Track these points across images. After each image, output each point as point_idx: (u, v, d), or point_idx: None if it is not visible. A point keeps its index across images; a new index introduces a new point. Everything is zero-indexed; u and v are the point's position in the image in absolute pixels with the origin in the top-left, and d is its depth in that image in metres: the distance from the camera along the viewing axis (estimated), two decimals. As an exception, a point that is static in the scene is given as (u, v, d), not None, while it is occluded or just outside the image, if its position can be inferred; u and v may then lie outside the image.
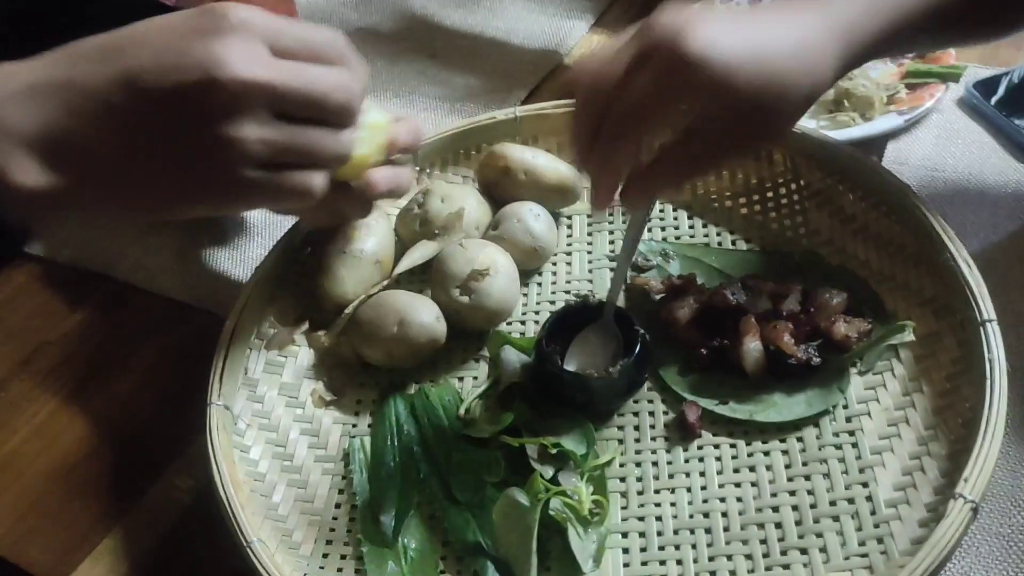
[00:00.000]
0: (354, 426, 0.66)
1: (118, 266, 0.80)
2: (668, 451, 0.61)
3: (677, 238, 0.73)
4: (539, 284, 0.73)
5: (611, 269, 0.72)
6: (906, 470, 0.57)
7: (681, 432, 0.62)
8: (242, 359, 0.66)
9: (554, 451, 0.59)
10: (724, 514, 0.58)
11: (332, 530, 0.60)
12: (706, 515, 0.58)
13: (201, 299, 0.77)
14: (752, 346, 0.61)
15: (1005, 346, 0.57)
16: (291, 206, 0.62)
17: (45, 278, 0.81)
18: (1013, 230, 0.71)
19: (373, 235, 0.70)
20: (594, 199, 0.56)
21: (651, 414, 0.63)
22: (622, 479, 0.60)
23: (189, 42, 0.48)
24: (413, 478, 0.61)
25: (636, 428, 0.62)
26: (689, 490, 0.59)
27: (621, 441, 0.62)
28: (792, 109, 0.53)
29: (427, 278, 0.70)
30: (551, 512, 0.56)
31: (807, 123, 0.75)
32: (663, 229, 0.74)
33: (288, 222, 0.73)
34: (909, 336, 0.61)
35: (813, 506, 0.57)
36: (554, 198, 0.74)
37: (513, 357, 0.65)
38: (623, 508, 0.59)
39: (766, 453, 0.60)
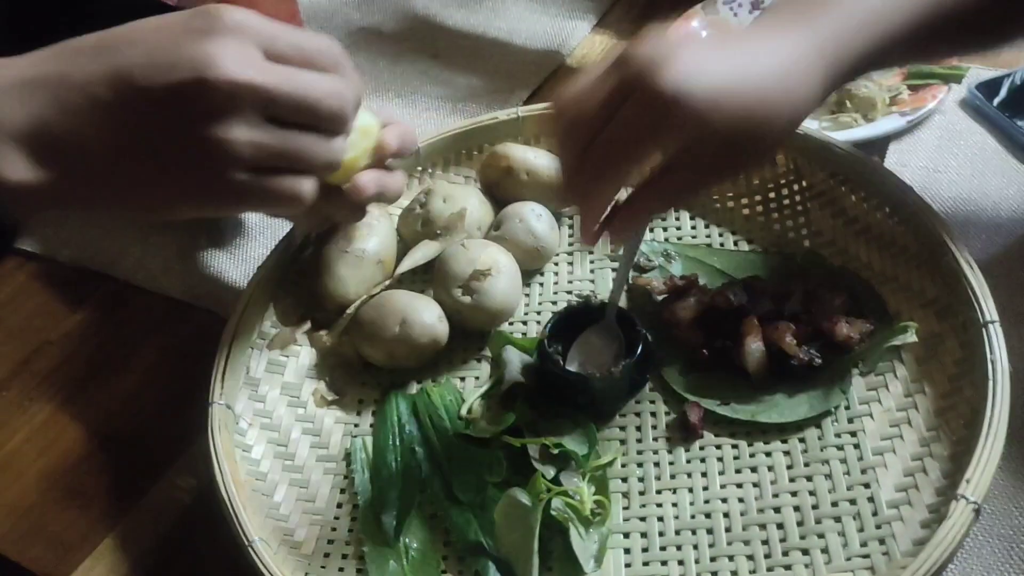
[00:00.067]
0: (356, 426, 0.66)
1: (119, 266, 0.80)
2: (670, 451, 0.61)
3: (679, 239, 0.73)
4: (541, 284, 0.73)
5: (613, 269, 0.72)
6: (908, 471, 0.57)
7: (683, 432, 0.62)
8: (244, 358, 0.66)
9: (556, 451, 0.59)
10: (726, 514, 0.57)
11: (334, 530, 0.60)
12: (708, 515, 0.58)
13: (202, 299, 0.77)
14: (754, 347, 0.61)
15: (1007, 347, 0.57)
16: (279, 211, 0.61)
17: (46, 277, 0.81)
18: (1015, 231, 0.71)
19: (375, 235, 0.70)
20: (582, 233, 0.55)
21: (653, 414, 0.63)
22: (624, 479, 0.60)
23: (182, 41, 0.48)
24: (415, 478, 0.61)
25: (638, 428, 0.62)
26: (691, 490, 0.59)
27: (623, 441, 0.62)
28: (774, 137, 0.53)
29: (429, 278, 0.70)
30: (553, 512, 0.56)
31: (810, 124, 0.75)
32: (665, 230, 0.74)
33: (289, 223, 0.73)
34: (911, 337, 0.61)
35: (815, 507, 0.57)
36: (556, 198, 0.74)
37: (515, 357, 0.65)
38: (625, 508, 0.59)
39: (768, 454, 0.60)
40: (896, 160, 0.78)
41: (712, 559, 0.56)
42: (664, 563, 0.56)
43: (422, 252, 0.71)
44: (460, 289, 0.66)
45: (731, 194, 0.75)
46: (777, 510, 0.57)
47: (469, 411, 0.64)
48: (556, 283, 0.72)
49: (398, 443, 0.63)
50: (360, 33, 0.99)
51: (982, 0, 0.57)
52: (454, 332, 0.66)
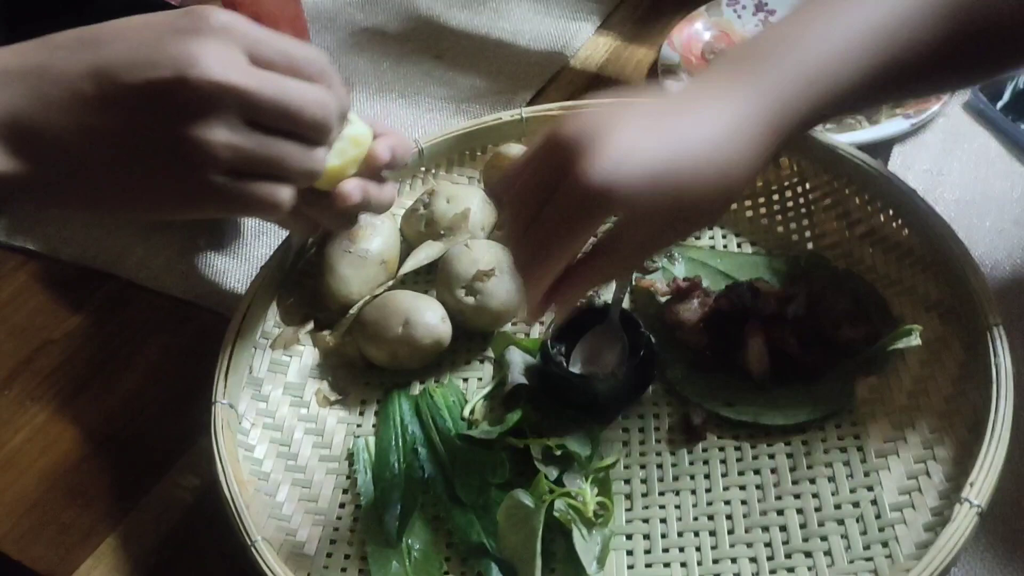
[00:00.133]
0: (358, 426, 0.66)
1: (122, 265, 0.80)
2: (673, 453, 0.61)
3: (683, 241, 0.73)
4: (544, 285, 0.72)
5: (616, 271, 0.72)
6: (911, 474, 0.57)
7: (686, 434, 0.62)
8: (247, 358, 0.66)
9: (559, 452, 0.59)
10: (729, 516, 0.57)
11: (336, 530, 0.60)
12: (710, 517, 0.58)
13: (205, 298, 0.77)
14: (757, 349, 0.61)
15: (1011, 350, 0.57)
16: (256, 216, 0.61)
17: (48, 276, 0.81)
18: (1019, 235, 0.71)
19: (378, 235, 0.70)
20: (527, 310, 0.53)
21: (656, 416, 0.63)
22: (627, 481, 0.60)
23: (167, 40, 0.48)
24: (417, 479, 0.61)
25: (641, 430, 0.62)
26: (694, 492, 0.59)
27: (626, 443, 0.62)
28: (717, 207, 0.51)
29: (432, 279, 0.70)
30: (555, 514, 0.56)
31: (813, 126, 0.75)
32: (668, 231, 0.74)
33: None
34: (915, 341, 0.60)
35: (818, 509, 0.57)
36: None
37: (518, 358, 0.65)
38: (627, 510, 0.59)
39: (771, 456, 0.60)
40: (900, 163, 0.78)
41: (715, 561, 0.56)
42: (667, 565, 0.56)
43: (425, 253, 0.71)
44: (463, 290, 0.66)
45: (735, 196, 0.75)
46: (780, 512, 0.57)
47: (472, 412, 0.64)
48: (559, 284, 0.72)
49: (401, 444, 0.63)
50: (364, 34, 0.99)
51: (940, 44, 0.53)
52: (457, 333, 0.66)
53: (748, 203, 0.74)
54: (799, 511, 0.57)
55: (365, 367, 0.68)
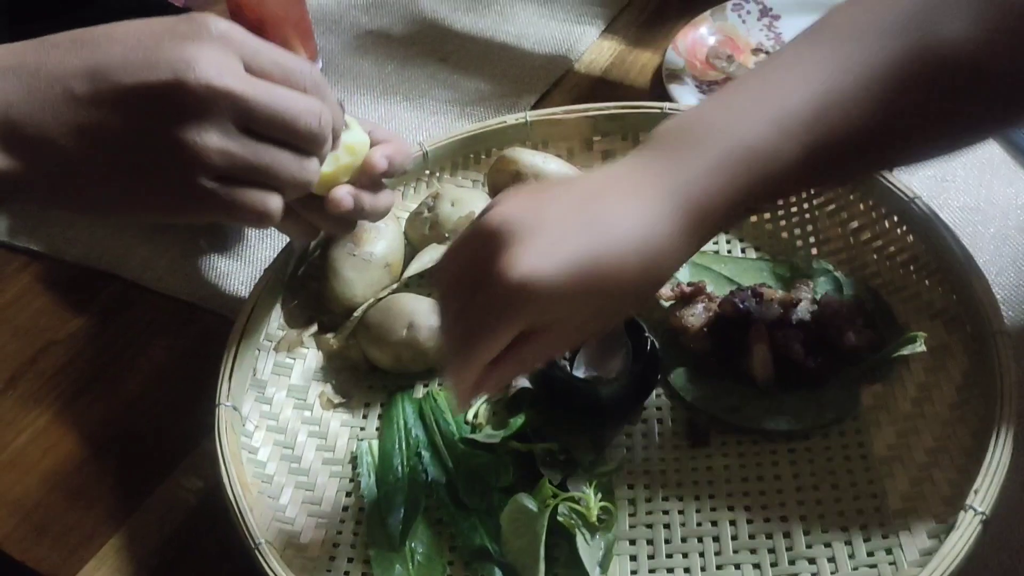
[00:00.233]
0: (362, 429, 0.66)
1: (126, 266, 0.80)
2: (676, 458, 0.61)
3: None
4: (548, 289, 0.72)
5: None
6: (915, 481, 0.57)
7: (689, 439, 0.62)
8: (251, 360, 0.66)
9: (562, 457, 0.59)
10: (732, 523, 0.57)
11: (339, 533, 0.60)
12: (714, 523, 0.58)
13: (209, 300, 0.77)
14: (762, 355, 0.61)
15: (1016, 358, 0.56)
16: (245, 224, 0.61)
17: (52, 277, 0.81)
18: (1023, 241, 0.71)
19: (383, 238, 0.70)
20: (456, 399, 0.51)
21: (659, 421, 0.63)
22: (630, 486, 0.60)
23: (163, 43, 0.48)
24: (421, 482, 0.61)
25: (644, 435, 0.62)
26: (697, 498, 0.59)
27: (629, 448, 0.62)
28: (640, 298, 0.51)
29: (436, 282, 0.70)
30: (559, 518, 0.56)
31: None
32: (672, 236, 0.74)
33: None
34: (919, 347, 0.60)
35: (821, 516, 0.57)
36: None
37: (522, 362, 0.65)
38: (631, 515, 0.59)
39: (775, 462, 0.60)
40: (904, 169, 0.78)
41: (718, 567, 0.56)
42: (670, 570, 0.56)
43: (430, 256, 0.71)
44: (468, 293, 0.66)
45: (739, 201, 0.75)
46: (784, 519, 0.57)
47: (475, 416, 0.64)
48: (563, 288, 0.72)
49: (404, 447, 0.63)
50: (368, 36, 0.99)
51: (888, 111, 0.49)
52: (461, 336, 0.66)
53: (752, 208, 0.74)
54: (803, 518, 0.57)
55: (369, 370, 0.68)
